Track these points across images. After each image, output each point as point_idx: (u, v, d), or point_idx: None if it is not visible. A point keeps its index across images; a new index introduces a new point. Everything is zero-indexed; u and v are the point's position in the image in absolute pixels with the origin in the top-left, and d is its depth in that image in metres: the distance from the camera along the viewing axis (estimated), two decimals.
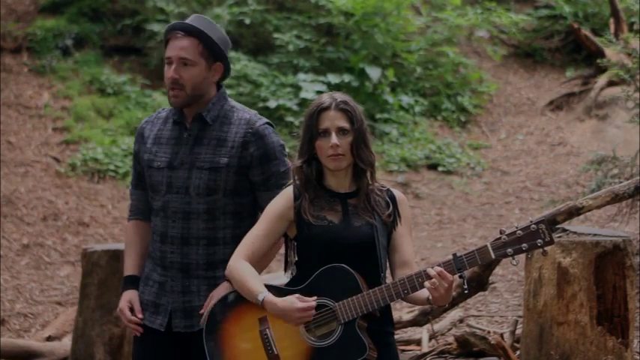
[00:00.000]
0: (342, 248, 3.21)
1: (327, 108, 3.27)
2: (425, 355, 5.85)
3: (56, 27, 11.82)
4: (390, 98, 11.67)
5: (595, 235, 4.69)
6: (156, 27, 11.56)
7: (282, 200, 3.32)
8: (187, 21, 3.54)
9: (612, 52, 11.39)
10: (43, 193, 9.36)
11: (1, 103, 10.60)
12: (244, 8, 11.71)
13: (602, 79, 11.94)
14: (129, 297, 3.57)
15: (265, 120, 3.57)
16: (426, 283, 3.10)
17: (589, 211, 5.62)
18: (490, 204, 9.95)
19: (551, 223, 5.11)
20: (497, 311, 6.92)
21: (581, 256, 4.50)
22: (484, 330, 6.22)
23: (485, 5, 13.37)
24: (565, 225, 5.16)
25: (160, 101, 11.01)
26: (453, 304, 5.79)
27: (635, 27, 12.59)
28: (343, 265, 3.18)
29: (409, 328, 6.28)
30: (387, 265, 3.33)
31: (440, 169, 10.89)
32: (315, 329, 3.19)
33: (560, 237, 4.65)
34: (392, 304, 3.27)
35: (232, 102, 3.61)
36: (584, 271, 4.49)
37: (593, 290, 4.50)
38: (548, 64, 13.49)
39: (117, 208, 9.37)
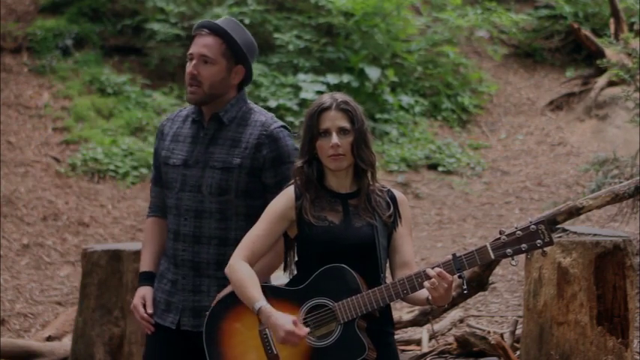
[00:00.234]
0: (342, 248, 3.22)
1: (328, 108, 3.27)
2: (425, 355, 5.85)
3: (56, 27, 11.82)
4: (390, 98, 11.67)
5: (595, 235, 4.70)
6: (156, 26, 11.56)
7: (283, 200, 3.32)
8: (217, 21, 3.55)
9: (612, 52, 11.39)
10: (43, 193, 9.36)
11: (1, 103, 10.60)
12: (244, 8, 11.71)
13: (602, 79, 11.94)
14: (142, 293, 3.58)
15: (281, 123, 3.57)
16: (426, 284, 3.10)
17: (589, 211, 5.62)
18: (490, 204, 9.95)
19: (551, 223, 5.11)
20: (497, 311, 6.92)
21: (581, 256, 4.50)
22: (484, 330, 6.22)
23: (486, 5, 13.37)
24: (566, 225, 5.16)
25: (160, 101, 11.02)
26: (453, 304, 5.79)
27: (635, 27, 12.59)
28: (343, 265, 3.18)
29: (409, 328, 6.28)
30: (387, 265, 3.34)
31: (440, 169, 10.89)
32: (314, 329, 3.19)
33: (560, 237, 4.66)
34: (392, 304, 3.27)
35: (251, 104, 3.61)
36: (584, 271, 4.50)
37: (593, 290, 4.50)
38: (548, 64, 13.49)
39: (117, 208, 9.37)
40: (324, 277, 3.19)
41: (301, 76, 11.24)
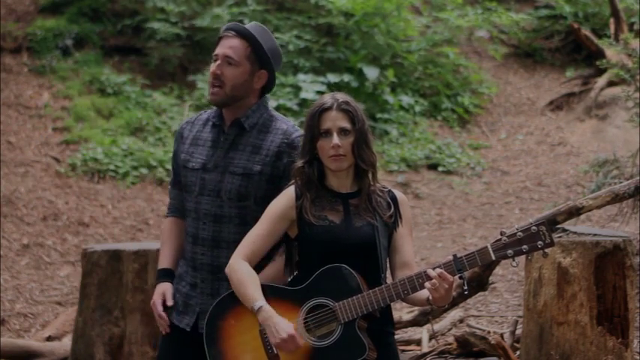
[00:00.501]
0: (342, 248, 3.22)
1: (329, 108, 3.27)
2: (425, 355, 5.85)
3: (56, 27, 11.82)
4: (390, 98, 11.67)
5: (595, 235, 4.70)
6: (156, 25, 11.55)
7: (283, 200, 3.32)
8: (245, 25, 3.56)
9: (612, 53, 11.39)
10: (43, 193, 9.36)
11: (1, 103, 10.60)
12: (244, 8, 11.71)
13: (602, 79, 11.94)
14: (162, 289, 3.58)
15: (302, 132, 3.57)
16: (427, 284, 3.10)
17: (589, 211, 5.62)
18: (490, 204, 9.95)
19: (552, 223, 5.11)
20: (497, 311, 6.92)
21: (581, 256, 4.50)
22: (484, 330, 6.22)
23: (486, 5, 13.37)
24: (566, 225, 5.16)
25: (160, 101, 11.02)
26: (453, 304, 5.79)
27: (635, 27, 12.59)
28: (344, 265, 3.18)
29: (409, 328, 6.28)
30: (387, 265, 3.34)
31: (440, 169, 10.89)
32: (315, 329, 3.19)
33: (560, 237, 4.66)
34: (392, 304, 3.27)
35: (272, 111, 3.62)
36: (584, 271, 4.50)
37: (593, 290, 4.50)
38: (548, 64, 13.50)
39: (117, 208, 9.37)
40: (324, 277, 3.19)
41: (301, 76, 11.25)
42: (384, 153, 10.91)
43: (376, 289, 3.16)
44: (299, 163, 3.32)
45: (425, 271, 3.13)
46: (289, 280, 3.35)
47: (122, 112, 10.81)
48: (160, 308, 3.55)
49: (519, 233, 3.10)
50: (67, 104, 10.85)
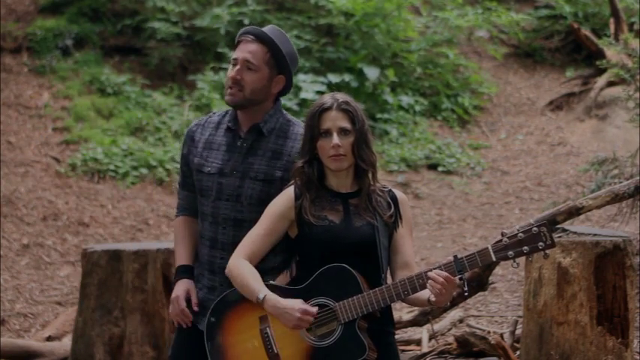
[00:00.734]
0: (343, 248, 3.22)
1: (329, 108, 3.28)
2: (425, 355, 5.85)
3: (56, 27, 11.81)
4: (390, 98, 11.67)
5: (595, 235, 4.70)
6: (157, 24, 11.55)
7: (282, 200, 3.32)
8: (263, 29, 3.56)
9: (612, 52, 11.39)
10: (43, 193, 9.36)
11: (1, 103, 10.60)
12: (244, 8, 11.70)
13: (602, 79, 11.94)
14: (186, 286, 3.57)
15: None
16: (430, 287, 3.10)
17: (589, 211, 5.62)
18: (490, 204, 9.95)
19: (551, 223, 5.11)
20: (497, 311, 6.92)
21: (581, 256, 4.50)
22: (484, 330, 6.22)
23: (486, 5, 13.37)
24: (566, 225, 5.16)
25: (160, 101, 11.01)
26: (453, 304, 5.79)
27: (635, 27, 12.59)
28: (344, 265, 3.19)
29: (409, 328, 6.28)
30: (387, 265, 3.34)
31: (440, 169, 10.89)
32: (315, 329, 3.19)
33: (560, 237, 4.66)
34: (392, 304, 3.27)
35: (287, 115, 3.63)
36: (584, 271, 4.50)
37: (593, 290, 4.50)
38: (548, 64, 13.49)
39: (117, 208, 9.37)
40: (325, 277, 3.19)
41: (301, 76, 11.24)
42: (384, 153, 10.91)
43: (376, 289, 3.16)
44: (299, 163, 3.32)
45: (425, 272, 3.13)
46: (289, 279, 3.36)
47: (122, 112, 10.80)
48: (183, 303, 3.54)
49: (520, 234, 3.10)
50: (67, 104, 10.84)
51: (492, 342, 5.41)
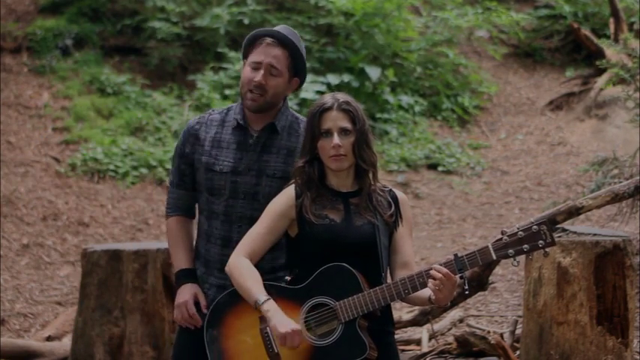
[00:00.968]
0: (343, 247, 3.22)
1: (330, 108, 3.28)
2: (425, 355, 5.85)
3: (56, 27, 11.81)
4: (390, 98, 11.67)
5: (595, 235, 4.70)
6: (157, 24, 11.55)
7: (283, 199, 3.32)
8: (280, 31, 3.57)
9: (612, 52, 11.38)
10: (43, 193, 9.36)
11: (1, 103, 10.60)
12: (244, 8, 11.70)
13: (602, 79, 11.93)
14: (194, 290, 3.56)
15: None
16: (430, 284, 3.10)
17: (589, 210, 5.62)
18: (490, 204, 9.95)
19: (551, 223, 5.11)
20: (497, 311, 6.92)
21: (581, 256, 4.50)
22: (484, 330, 6.22)
23: (486, 5, 13.36)
24: (566, 225, 5.16)
25: (160, 101, 11.01)
26: (453, 304, 5.79)
27: (635, 27, 12.59)
28: (344, 264, 3.19)
29: (409, 328, 6.28)
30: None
31: (440, 168, 10.89)
32: (315, 328, 3.19)
33: (560, 237, 4.66)
34: (392, 303, 3.27)
35: (293, 112, 3.63)
36: (584, 271, 4.50)
37: (593, 290, 4.51)
38: (548, 64, 13.49)
39: (117, 208, 9.37)
40: (325, 276, 3.19)
41: None
42: (384, 153, 10.91)
43: (377, 288, 3.17)
44: (299, 162, 3.33)
45: (425, 271, 3.13)
46: (290, 278, 3.36)
47: (122, 112, 10.80)
48: (192, 308, 3.52)
49: (520, 232, 3.11)
50: (67, 104, 10.84)
51: (492, 342, 5.41)
